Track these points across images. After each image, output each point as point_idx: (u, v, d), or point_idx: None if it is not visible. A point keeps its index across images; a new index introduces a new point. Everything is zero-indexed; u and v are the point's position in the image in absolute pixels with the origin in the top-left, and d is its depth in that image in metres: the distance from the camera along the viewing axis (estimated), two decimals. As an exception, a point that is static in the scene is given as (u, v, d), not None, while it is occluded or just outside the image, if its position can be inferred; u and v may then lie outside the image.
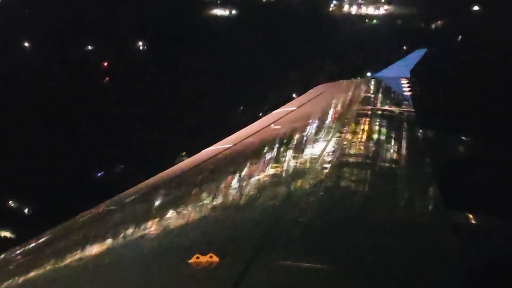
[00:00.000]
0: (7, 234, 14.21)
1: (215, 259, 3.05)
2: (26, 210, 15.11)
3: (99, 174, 16.48)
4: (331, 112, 7.05)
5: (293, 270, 3.09)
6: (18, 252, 3.56)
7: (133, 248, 3.52)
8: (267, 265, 3.10)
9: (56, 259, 3.48)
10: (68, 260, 3.42)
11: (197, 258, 3.06)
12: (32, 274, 3.25)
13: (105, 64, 22.47)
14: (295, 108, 7.30)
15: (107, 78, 21.53)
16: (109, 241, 3.67)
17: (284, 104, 7.90)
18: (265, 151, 5.58)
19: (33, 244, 3.69)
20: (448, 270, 3.34)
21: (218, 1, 30.08)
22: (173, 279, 3.03)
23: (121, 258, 3.34)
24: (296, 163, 5.16)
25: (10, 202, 15.38)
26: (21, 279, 3.18)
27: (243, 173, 4.94)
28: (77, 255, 3.48)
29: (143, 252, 3.42)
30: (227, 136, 6.26)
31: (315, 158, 5.24)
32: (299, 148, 5.66)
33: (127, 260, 3.31)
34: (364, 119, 6.67)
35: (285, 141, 5.90)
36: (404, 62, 10.66)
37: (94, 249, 3.52)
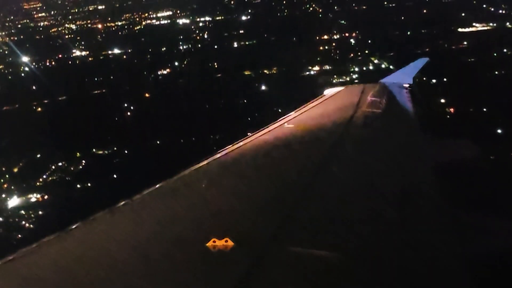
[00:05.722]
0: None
1: (230, 243, 3.31)
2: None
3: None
4: (339, 115, 7.34)
5: (305, 257, 3.30)
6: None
7: (153, 231, 3.71)
8: (280, 251, 3.30)
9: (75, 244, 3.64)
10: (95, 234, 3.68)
11: (214, 242, 3.33)
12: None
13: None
14: (306, 111, 7.61)
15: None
16: (130, 228, 3.83)
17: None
18: (278, 149, 5.79)
19: (50, 242, 3.68)
20: (449, 267, 3.56)
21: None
22: (191, 261, 3.27)
23: (142, 242, 3.55)
24: (307, 158, 5.42)
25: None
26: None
27: (258, 166, 5.17)
28: (102, 237, 3.71)
29: (163, 235, 3.63)
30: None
31: (325, 155, 5.48)
32: (312, 146, 5.93)
33: (147, 243, 3.53)
34: (370, 121, 6.95)
35: (298, 138, 6.18)
36: (407, 69, 11.09)
37: (115, 235, 3.71)
